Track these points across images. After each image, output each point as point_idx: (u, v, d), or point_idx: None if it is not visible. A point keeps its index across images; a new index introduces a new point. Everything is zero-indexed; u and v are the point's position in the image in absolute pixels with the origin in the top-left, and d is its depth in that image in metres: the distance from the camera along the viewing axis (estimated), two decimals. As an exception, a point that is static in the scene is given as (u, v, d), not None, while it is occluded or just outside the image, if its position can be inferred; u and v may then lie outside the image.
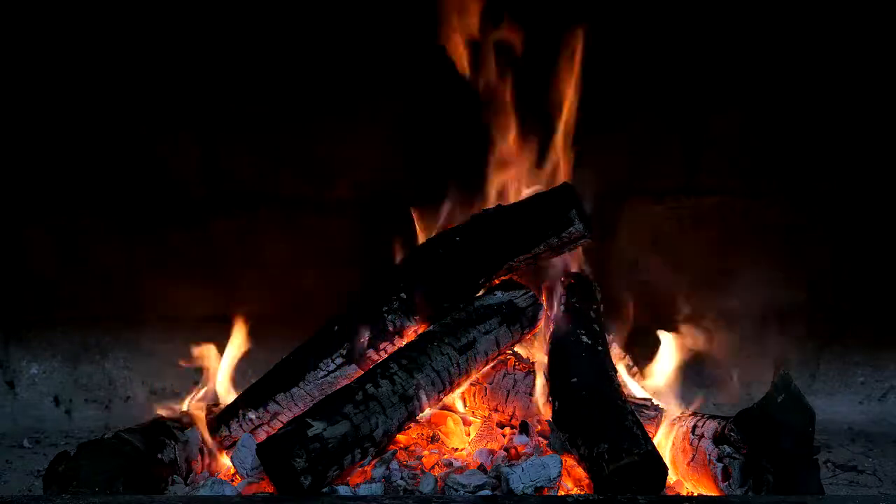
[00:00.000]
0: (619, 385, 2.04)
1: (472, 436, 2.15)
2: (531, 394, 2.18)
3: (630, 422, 1.84)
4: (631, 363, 2.39)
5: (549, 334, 2.26)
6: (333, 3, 2.83)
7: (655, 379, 2.33)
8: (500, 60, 2.49)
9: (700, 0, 2.81)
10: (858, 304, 3.02)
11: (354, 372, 2.14)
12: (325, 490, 1.81)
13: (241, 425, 2.14)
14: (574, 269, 2.42)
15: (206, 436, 2.09)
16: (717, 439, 1.88)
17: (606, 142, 2.87)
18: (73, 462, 1.82)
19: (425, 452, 2.04)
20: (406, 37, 2.81)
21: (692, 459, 1.94)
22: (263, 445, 1.84)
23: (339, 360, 2.16)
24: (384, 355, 2.14)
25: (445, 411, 2.21)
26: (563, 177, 2.43)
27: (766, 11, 2.83)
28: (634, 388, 2.33)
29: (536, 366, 2.22)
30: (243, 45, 2.87)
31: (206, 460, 2.09)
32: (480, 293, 2.21)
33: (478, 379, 2.21)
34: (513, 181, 2.42)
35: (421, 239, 2.39)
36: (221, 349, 2.36)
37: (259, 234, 2.98)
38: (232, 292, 2.97)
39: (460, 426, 2.18)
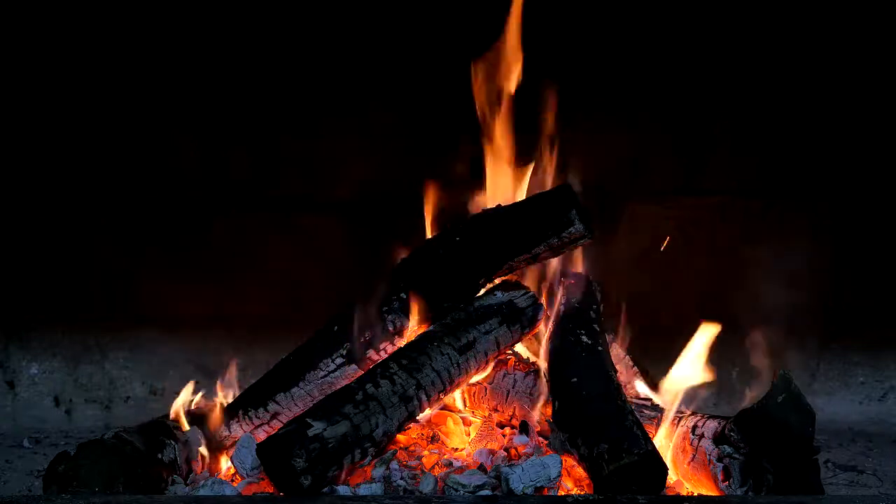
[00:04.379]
0: (619, 385, 2.04)
1: (472, 436, 2.15)
2: (531, 394, 2.18)
3: (630, 422, 1.84)
4: (631, 363, 2.39)
5: (549, 334, 2.26)
6: (334, 7, 2.83)
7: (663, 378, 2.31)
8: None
9: (703, 4, 2.82)
10: (858, 304, 3.02)
11: (354, 372, 2.14)
12: (325, 490, 1.81)
13: (240, 425, 2.14)
14: (574, 270, 2.42)
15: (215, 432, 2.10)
16: (718, 439, 1.88)
17: (607, 142, 2.87)
18: (73, 462, 1.82)
19: (425, 452, 2.04)
20: (406, 38, 2.82)
21: (692, 459, 1.94)
22: (263, 445, 1.84)
23: (339, 360, 2.16)
24: (384, 355, 2.14)
25: (445, 411, 2.21)
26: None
27: (768, 15, 2.84)
28: (634, 388, 2.33)
29: (536, 365, 2.22)
30: (243, 47, 2.87)
31: (206, 460, 2.09)
32: (480, 293, 2.21)
33: (478, 379, 2.21)
34: (511, 181, 2.42)
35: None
36: (221, 349, 2.36)
37: (259, 234, 2.98)
38: (232, 292, 2.98)
39: (460, 426, 2.18)
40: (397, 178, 2.81)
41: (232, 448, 2.08)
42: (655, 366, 2.32)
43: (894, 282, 3.00)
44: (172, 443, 1.99)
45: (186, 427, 2.08)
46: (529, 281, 2.32)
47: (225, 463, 2.13)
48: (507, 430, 2.18)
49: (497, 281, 2.24)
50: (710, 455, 1.88)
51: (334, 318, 2.23)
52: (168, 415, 2.14)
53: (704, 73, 2.89)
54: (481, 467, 1.94)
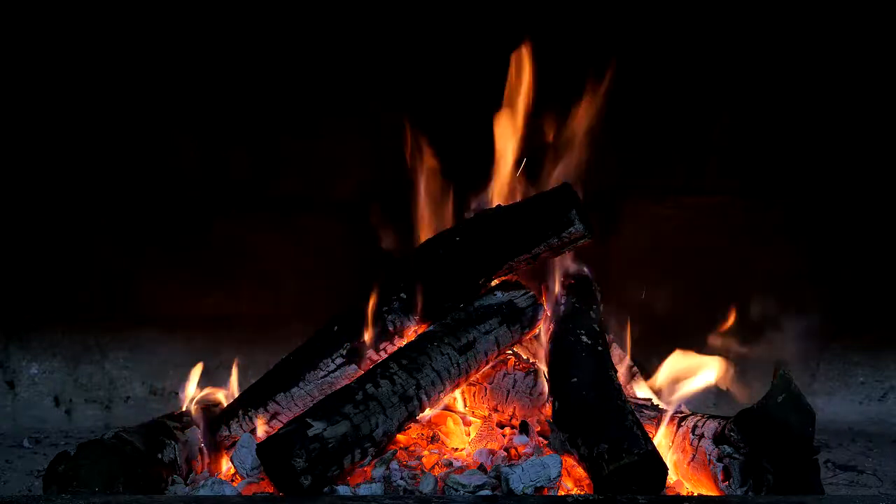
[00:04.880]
0: (619, 385, 2.04)
1: (472, 436, 2.15)
2: (531, 394, 2.18)
3: (630, 422, 1.84)
4: (631, 363, 2.39)
5: (549, 334, 2.26)
6: (334, 8, 2.83)
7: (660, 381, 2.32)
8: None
9: (703, 6, 2.82)
10: (858, 304, 3.02)
11: (354, 372, 2.14)
12: (325, 490, 1.81)
13: (241, 425, 2.14)
14: (574, 270, 2.42)
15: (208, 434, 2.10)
16: (717, 439, 1.88)
17: (607, 142, 2.87)
18: (73, 462, 1.82)
19: (425, 452, 2.04)
20: (405, 37, 2.82)
21: (692, 459, 1.94)
22: (263, 445, 1.84)
23: (339, 360, 2.16)
24: (384, 355, 2.14)
25: (445, 411, 2.21)
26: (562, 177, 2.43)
27: (767, 17, 2.84)
28: (634, 388, 2.33)
29: (536, 365, 2.22)
30: (244, 48, 2.87)
31: (206, 460, 2.09)
32: (480, 293, 2.21)
33: (478, 379, 2.21)
34: (512, 182, 2.42)
35: (421, 239, 2.39)
36: (221, 349, 2.36)
37: (259, 234, 2.98)
38: (232, 292, 2.98)
39: (460, 426, 2.18)
40: (397, 178, 2.81)
41: (232, 448, 2.08)
42: (655, 366, 2.33)
43: (894, 282, 3.00)
44: (172, 443, 1.99)
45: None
46: (529, 281, 2.32)
47: (225, 463, 2.13)
48: (507, 430, 2.18)
49: (497, 281, 2.24)
50: (710, 455, 1.88)
51: (334, 318, 2.23)
52: (168, 414, 2.15)
53: (705, 73, 2.89)
54: (481, 467, 1.94)
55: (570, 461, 1.92)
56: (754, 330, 2.89)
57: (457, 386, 2.11)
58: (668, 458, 1.98)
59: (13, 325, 3.00)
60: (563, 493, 1.85)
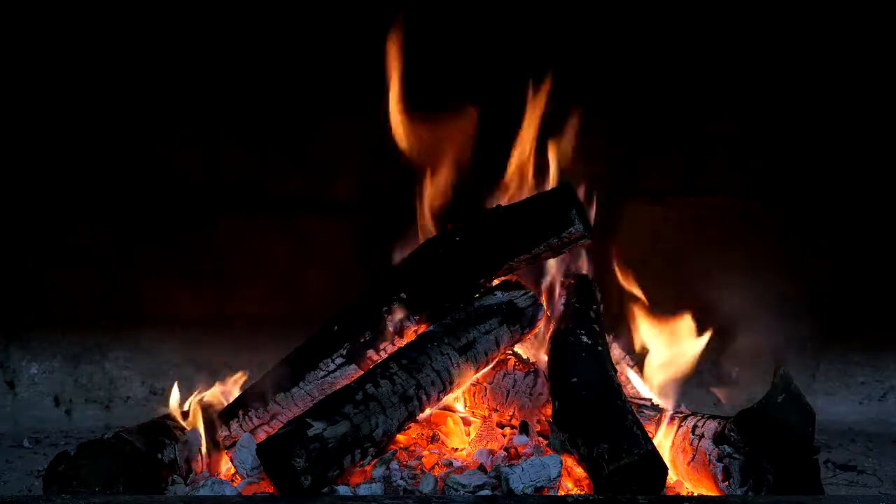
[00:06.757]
0: (620, 385, 2.04)
1: (472, 436, 2.15)
2: (531, 394, 2.18)
3: (630, 422, 1.84)
4: (631, 363, 2.39)
5: (549, 334, 2.26)
6: (333, 7, 2.84)
7: (657, 378, 2.32)
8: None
9: (703, 5, 2.82)
10: (858, 304, 3.02)
11: (354, 372, 2.14)
12: (325, 490, 1.81)
13: (241, 425, 2.14)
14: (574, 270, 2.42)
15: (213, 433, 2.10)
16: (717, 439, 1.88)
17: (607, 142, 2.87)
18: (73, 462, 1.82)
19: (425, 452, 2.04)
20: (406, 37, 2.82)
21: (692, 459, 1.94)
22: (263, 445, 1.84)
23: (339, 360, 2.16)
24: (384, 355, 2.14)
25: (445, 411, 2.21)
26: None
27: (768, 15, 2.84)
28: (635, 387, 2.33)
29: (537, 365, 2.22)
30: (244, 46, 2.87)
31: (206, 460, 2.09)
32: (480, 293, 2.21)
33: (478, 379, 2.21)
34: (511, 182, 2.42)
35: (420, 238, 2.39)
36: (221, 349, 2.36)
37: (259, 234, 2.98)
38: (232, 292, 2.98)
39: (460, 426, 2.18)
40: (397, 178, 2.81)
41: (232, 448, 2.08)
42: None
43: (894, 282, 3.00)
44: (172, 443, 2.00)
45: (198, 423, 2.08)
46: (529, 281, 2.32)
47: (225, 463, 2.13)
48: (507, 430, 2.18)
49: (497, 281, 2.24)
50: (710, 455, 1.88)
51: (334, 318, 2.23)
52: (168, 414, 2.15)
53: (705, 73, 2.90)
54: (481, 467, 1.94)
55: (570, 461, 1.92)
56: (754, 330, 2.90)
57: (457, 386, 2.10)
58: (668, 457, 1.98)
59: (13, 325, 3.00)
60: (563, 493, 1.85)
